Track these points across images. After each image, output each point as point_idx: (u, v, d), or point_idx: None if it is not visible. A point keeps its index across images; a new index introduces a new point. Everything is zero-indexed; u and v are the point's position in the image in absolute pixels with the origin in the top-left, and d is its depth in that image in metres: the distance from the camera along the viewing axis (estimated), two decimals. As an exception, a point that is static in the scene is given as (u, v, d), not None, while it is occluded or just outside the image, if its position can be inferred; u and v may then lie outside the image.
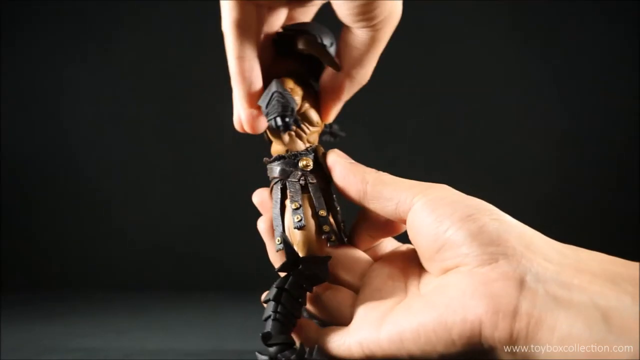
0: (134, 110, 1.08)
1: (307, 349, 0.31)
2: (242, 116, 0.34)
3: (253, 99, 0.34)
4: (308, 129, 0.35)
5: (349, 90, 0.35)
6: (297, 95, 0.35)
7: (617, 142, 1.02)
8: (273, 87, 0.33)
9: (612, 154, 1.01)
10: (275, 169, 0.35)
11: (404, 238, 0.37)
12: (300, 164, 0.34)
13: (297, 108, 0.34)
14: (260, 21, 0.34)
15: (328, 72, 0.36)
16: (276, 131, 0.35)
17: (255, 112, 0.34)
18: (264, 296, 0.34)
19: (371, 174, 0.33)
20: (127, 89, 1.07)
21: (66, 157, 1.07)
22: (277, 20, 0.35)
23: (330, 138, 0.39)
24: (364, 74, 0.35)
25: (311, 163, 0.34)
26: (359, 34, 0.32)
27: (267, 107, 0.33)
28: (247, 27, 0.33)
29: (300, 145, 0.35)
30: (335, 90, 0.35)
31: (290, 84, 0.35)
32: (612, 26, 1.02)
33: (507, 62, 1.04)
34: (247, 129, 0.35)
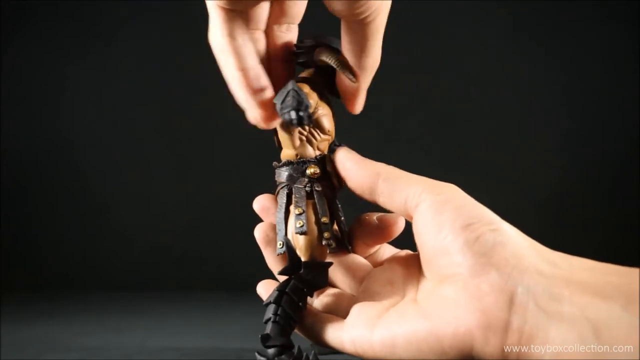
0: (134, 111, 1.08)
1: (304, 354, 0.31)
2: (256, 117, 0.34)
3: (266, 104, 0.34)
4: (319, 135, 0.36)
5: (365, 80, 0.35)
6: (312, 99, 0.35)
7: (617, 143, 1.02)
8: (289, 85, 0.34)
9: (612, 154, 1.01)
10: (283, 174, 0.35)
11: (402, 243, 0.37)
12: (308, 171, 0.35)
13: (311, 108, 0.34)
14: (248, 23, 0.34)
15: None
16: (288, 128, 0.35)
17: (269, 113, 0.34)
18: (264, 297, 0.34)
19: (383, 167, 0.33)
20: (127, 89, 1.08)
21: (66, 157, 1.07)
22: (263, 16, 0.35)
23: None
24: (373, 61, 0.34)
25: (319, 171, 0.35)
26: (355, 26, 0.33)
27: (282, 103, 0.33)
28: (241, 36, 0.33)
29: (310, 152, 0.35)
30: (352, 86, 0.35)
31: (306, 89, 0.35)
32: (613, 27, 1.02)
33: (508, 63, 1.04)
34: (262, 125, 0.34)
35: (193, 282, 0.96)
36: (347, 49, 0.34)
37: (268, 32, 0.35)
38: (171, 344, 0.54)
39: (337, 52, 0.35)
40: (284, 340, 0.32)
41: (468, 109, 1.05)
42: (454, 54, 1.05)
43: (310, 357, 0.31)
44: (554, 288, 0.26)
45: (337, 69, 0.35)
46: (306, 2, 0.36)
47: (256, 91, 0.33)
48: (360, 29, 0.32)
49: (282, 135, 0.35)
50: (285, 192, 0.35)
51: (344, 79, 0.35)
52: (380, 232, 0.35)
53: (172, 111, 1.07)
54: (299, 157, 0.35)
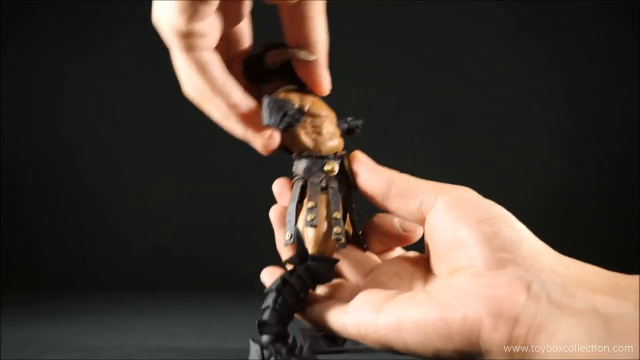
0: (134, 111, 1.08)
1: (298, 344, 0.31)
2: (262, 145, 0.35)
3: (260, 126, 0.35)
4: (321, 122, 0.36)
5: (320, 53, 0.36)
6: (294, 99, 0.35)
7: (617, 143, 1.02)
8: (265, 101, 0.34)
9: (612, 154, 1.01)
10: (300, 166, 0.35)
11: (409, 249, 0.37)
12: (326, 168, 0.35)
13: (296, 106, 0.35)
14: (220, 60, 0.35)
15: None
16: (291, 133, 0.35)
17: (266, 134, 0.35)
18: (268, 284, 0.34)
19: (397, 174, 0.34)
20: (127, 89, 1.08)
21: (66, 157, 1.07)
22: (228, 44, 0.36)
23: (348, 135, 0.39)
24: (319, 33, 0.35)
25: (337, 169, 0.35)
26: (291, 6, 0.33)
27: (269, 118, 0.34)
28: (221, 76, 0.34)
29: (328, 141, 0.35)
30: (311, 64, 0.36)
31: (281, 95, 0.35)
32: (613, 27, 1.02)
33: (508, 63, 1.04)
34: (269, 150, 0.35)
35: (193, 282, 0.96)
36: (292, 31, 0.35)
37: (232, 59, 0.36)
38: (171, 344, 0.54)
39: (283, 47, 0.36)
40: (281, 329, 0.32)
41: (468, 109, 1.05)
42: (454, 54, 1.05)
43: (305, 348, 0.31)
44: (568, 286, 0.27)
45: (292, 57, 0.35)
46: (245, 23, 0.36)
47: (252, 119, 0.34)
48: (297, 7, 0.33)
49: (297, 145, 0.36)
50: (299, 185, 0.35)
51: (302, 65, 0.36)
52: (400, 236, 0.36)
53: (172, 111, 1.07)
54: (320, 153, 0.35)
